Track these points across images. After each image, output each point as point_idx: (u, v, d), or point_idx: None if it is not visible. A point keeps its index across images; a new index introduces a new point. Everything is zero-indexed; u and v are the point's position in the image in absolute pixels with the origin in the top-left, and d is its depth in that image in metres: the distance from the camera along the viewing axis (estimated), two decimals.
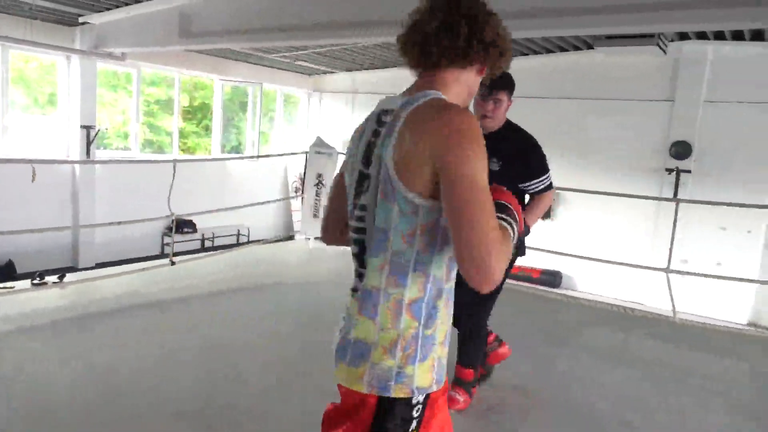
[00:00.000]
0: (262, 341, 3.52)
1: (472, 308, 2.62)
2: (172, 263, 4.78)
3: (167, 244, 9.20)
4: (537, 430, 2.72)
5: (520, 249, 2.58)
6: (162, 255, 9.04)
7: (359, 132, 1.32)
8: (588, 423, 2.79)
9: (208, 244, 10.08)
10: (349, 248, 1.34)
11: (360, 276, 1.28)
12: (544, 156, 2.57)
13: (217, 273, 5.06)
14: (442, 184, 1.11)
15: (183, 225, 9.48)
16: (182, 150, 10.93)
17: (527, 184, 2.59)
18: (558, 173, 9.79)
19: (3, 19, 7.25)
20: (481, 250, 1.05)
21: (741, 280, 5.65)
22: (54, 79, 8.34)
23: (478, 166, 1.10)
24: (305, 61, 10.56)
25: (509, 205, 1.26)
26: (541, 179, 2.62)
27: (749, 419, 2.92)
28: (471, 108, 2.45)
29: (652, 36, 6.93)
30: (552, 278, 9.09)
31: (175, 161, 4.94)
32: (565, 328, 4.28)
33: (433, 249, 1.16)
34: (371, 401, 1.20)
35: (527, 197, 2.76)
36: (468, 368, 2.84)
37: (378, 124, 1.25)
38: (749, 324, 7.71)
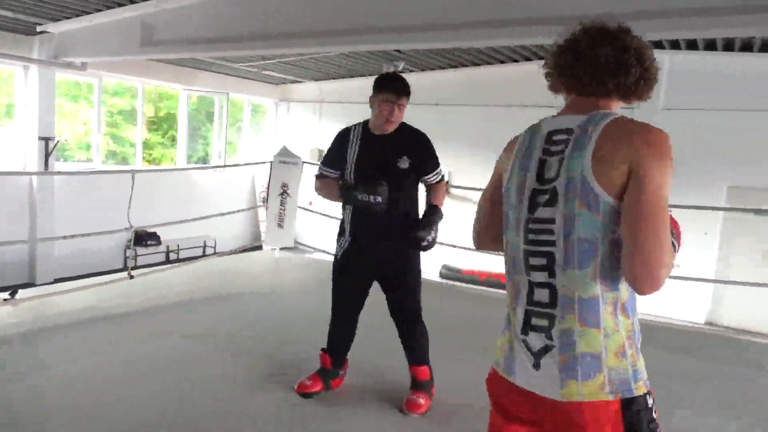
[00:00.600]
0: (226, 353, 3.46)
1: (407, 296, 2.81)
2: (131, 276, 4.67)
3: (131, 258, 9.01)
4: None
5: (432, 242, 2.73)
6: (125, 269, 8.85)
7: (519, 151, 1.36)
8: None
9: (173, 256, 9.92)
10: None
11: (548, 288, 1.26)
12: (434, 150, 2.84)
13: (179, 285, 4.97)
14: (632, 190, 1.16)
15: (147, 237, 9.31)
16: (147, 161, 10.76)
17: (428, 176, 2.83)
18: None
19: None
20: (657, 260, 1.13)
21: (698, 280, 5.81)
22: (11, 90, 8.13)
23: (668, 181, 1.17)
24: (272, 70, 10.53)
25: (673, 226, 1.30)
26: (437, 171, 2.86)
27: (716, 416, 2.98)
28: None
29: None
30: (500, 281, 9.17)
31: (133, 172, 4.85)
32: None
33: (621, 248, 1.20)
34: (613, 407, 1.20)
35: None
36: (423, 365, 2.86)
37: (550, 143, 1.29)
38: (707, 323, 7.94)
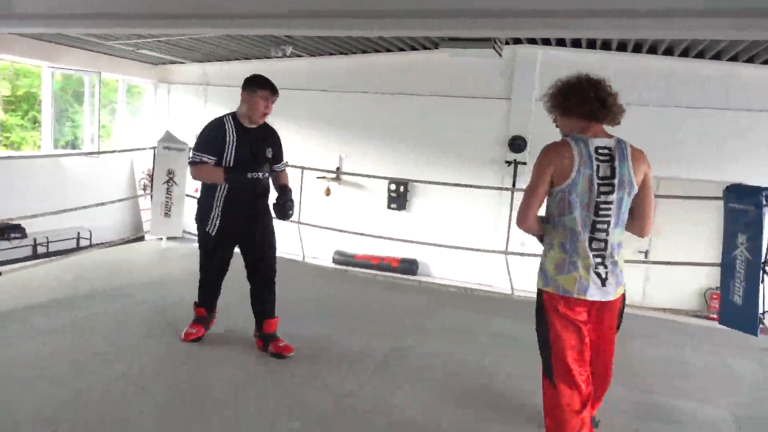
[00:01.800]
0: (112, 350, 3.29)
1: (270, 259, 3.38)
2: None
3: None
4: (401, 404, 2.88)
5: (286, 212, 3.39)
6: None
7: (580, 157, 2.18)
8: (447, 390, 3.03)
9: (41, 250, 9.06)
10: None
11: (604, 241, 2.23)
12: None
13: (54, 280, 4.58)
14: (647, 187, 2.29)
15: (9, 230, 8.40)
16: (4, 145, 9.70)
17: (280, 164, 3.44)
18: (410, 166, 10.30)
19: None
20: (652, 221, 2.35)
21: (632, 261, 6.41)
22: None
23: None
24: (149, 50, 9.88)
25: None
26: (285, 161, 3.53)
27: (657, 394, 3.30)
28: None
29: (488, 40, 7.55)
30: (410, 266, 9.54)
31: None
32: (419, 311, 4.55)
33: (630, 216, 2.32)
34: (620, 297, 2.35)
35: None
36: (276, 317, 3.41)
37: (598, 154, 2.20)
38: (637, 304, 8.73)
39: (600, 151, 2.19)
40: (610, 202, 2.19)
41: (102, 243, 7.51)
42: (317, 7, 4.79)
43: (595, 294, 2.21)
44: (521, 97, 9.01)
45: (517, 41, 8.73)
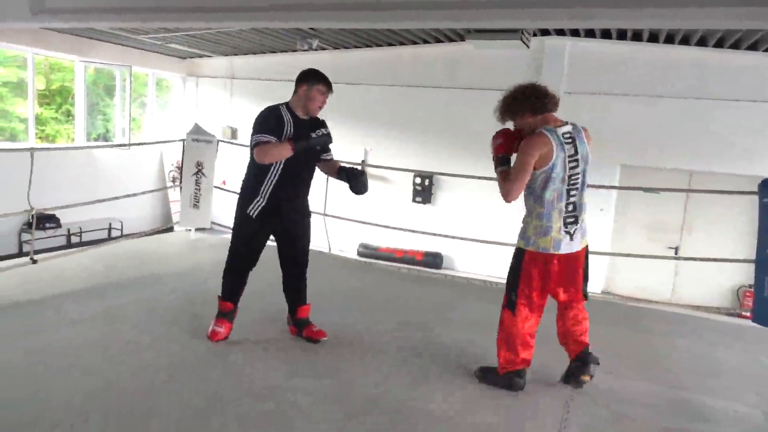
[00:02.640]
0: (142, 339, 3.37)
1: (305, 248, 3.46)
2: (34, 261, 4.37)
3: (26, 242, 8.36)
4: (425, 396, 2.89)
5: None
6: (20, 254, 8.19)
7: (554, 143, 2.79)
8: (472, 381, 3.06)
9: (75, 239, 9.31)
10: None
11: (573, 204, 2.87)
12: None
13: (87, 269, 4.71)
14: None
15: (45, 220, 8.65)
16: (40, 138, 9.95)
17: (329, 153, 3.54)
18: (435, 159, 10.28)
19: None
20: None
21: (594, 253, 6.31)
22: None
23: None
24: (178, 43, 10.02)
25: None
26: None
27: (628, 378, 3.29)
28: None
29: (516, 31, 7.45)
30: (434, 259, 9.53)
31: (32, 150, 4.50)
32: (444, 304, 4.54)
33: None
34: (585, 250, 2.98)
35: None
36: (308, 303, 3.51)
37: (565, 139, 2.81)
38: (603, 292, 8.67)
39: (565, 136, 2.81)
40: (578, 174, 2.84)
41: (132, 233, 7.67)
42: (342, 0, 4.82)
43: (564, 248, 2.86)
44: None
45: (545, 32, 8.59)
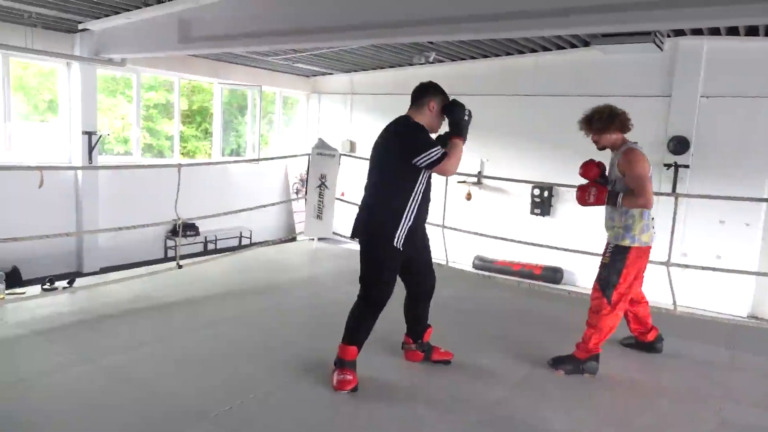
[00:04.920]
0: (269, 343, 3.58)
1: (431, 262, 3.21)
2: (179, 266, 4.83)
3: (171, 248, 9.25)
4: (546, 423, 2.77)
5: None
6: (166, 258, 9.09)
7: (647, 156, 3.36)
8: (591, 411, 2.86)
9: (210, 246, 10.14)
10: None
11: None
12: None
13: (222, 275, 5.12)
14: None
15: (186, 228, 9.53)
16: (182, 154, 10.98)
17: None
18: (555, 170, 9.90)
19: (3, 27, 7.28)
20: None
21: (740, 272, 5.72)
22: (53, 86, 8.39)
23: None
24: (304, 63, 10.61)
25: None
26: None
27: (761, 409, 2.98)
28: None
29: (648, 33, 7.00)
30: (553, 274, 9.15)
31: (179, 166, 4.99)
32: (566, 323, 4.34)
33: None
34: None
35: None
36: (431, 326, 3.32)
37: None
38: (749, 316, 7.79)
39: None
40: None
41: (260, 242, 8.19)
42: (462, 13, 4.83)
43: (653, 240, 3.32)
44: (683, 94, 8.22)
45: (679, 33, 7.98)
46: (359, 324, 2.97)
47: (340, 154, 6.21)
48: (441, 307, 3.80)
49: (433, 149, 2.87)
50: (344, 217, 10.08)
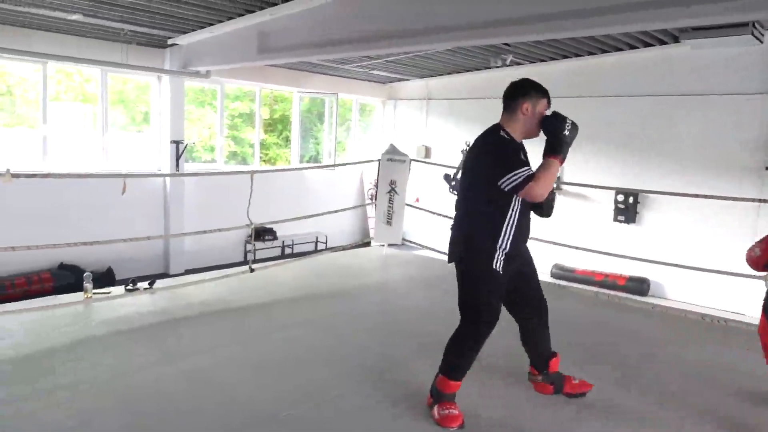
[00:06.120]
0: (342, 348, 3.59)
1: (540, 287, 2.88)
2: (252, 270, 4.98)
3: (250, 251, 9.62)
4: None
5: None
6: (245, 262, 9.45)
7: None
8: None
9: (287, 251, 10.43)
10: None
11: None
12: None
13: (294, 279, 5.22)
14: None
15: (264, 233, 9.88)
16: (264, 161, 11.40)
17: None
18: (640, 174, 9.40)
19: (101, 46, 7.90)
20: None
21: None
22: (148, 98, 8.99)
23: None
24: (379, 70, 10.70)
25: None
26: None
27: None
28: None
29: (745, 25, 6.43)
30: (639, 285, 8.61)
31: (252, 172, 5.16)
32: (651, 339, 4.04)
33: None
34: None
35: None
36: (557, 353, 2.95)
37: None
38: None
39: None
40: None
41: (334, 247, 8.31)
42: (540, 11, 4.64)
43: None
44: None
45: None
46: (458, 356, 2.69)
47: (411, 160, 6.17)
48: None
49: (517, 172, 2.50)
50: (417, 223, 10.10)
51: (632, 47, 8.60)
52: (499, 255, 2.61)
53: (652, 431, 2.71)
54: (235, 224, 5.59)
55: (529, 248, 2.84)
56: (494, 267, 2.61)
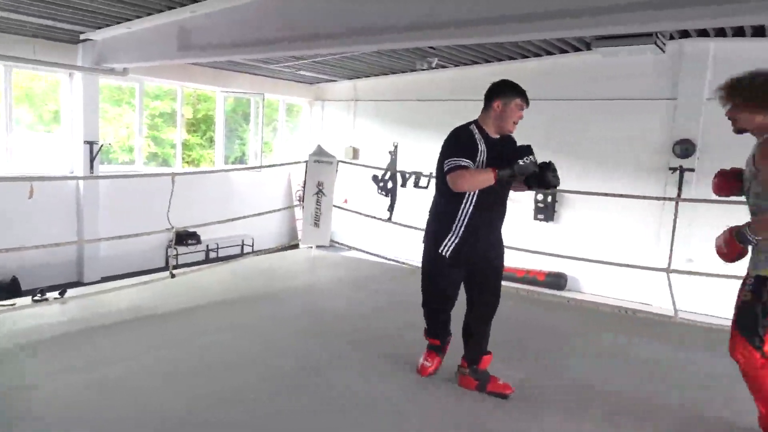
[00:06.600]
0: (264, 351, 3.52)
1: (495, 292, 3.01)
2: (173, 276, 4.79)
3: (171, 257, 9.25)
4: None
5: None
6: (166, 267, 9.09)
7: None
8: (587, 423, 2.77)
9: (212, 255, 10.13)
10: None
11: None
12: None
13: (217, 284, 5.07)
14: None
15: (187, 237, 9.54)
16: (187, 162, 11.02)
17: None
18: (560, 175, 9.70)
19: (5, 39, 7.35)
20: None
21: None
22: (59, 97, 8.45)
23: None
24: (306, 70, 10.61)
25: None
26: None
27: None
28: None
29: (649, 35, 6.90)
30: (557, 280, 9.04)
31: (173, 174, 4.97)
32: (567, 332, 4.25)
33: None
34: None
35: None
36: (489, 354, 3.12)
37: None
38: None
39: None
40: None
41: (261, 250, 8.16)
42: (464, 16, 4.77)
43: None
44: (689, 97, 8.10)
45: (684, 34, 7.87)
46: (424, 315, 3.17)
47: (338, 161, 6.16)
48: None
49: (457, 158, 2.74)
50: (345, 224, 10.10)
51: (549, 53, 9.03)
52: (448, 241, 2.85)
53: (575, 423, 2.85)
54: (154, 228, 5.36)
55: (498, 248, 3.00)
56: (440, 252, 2.86)
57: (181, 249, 9.25)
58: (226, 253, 10.17)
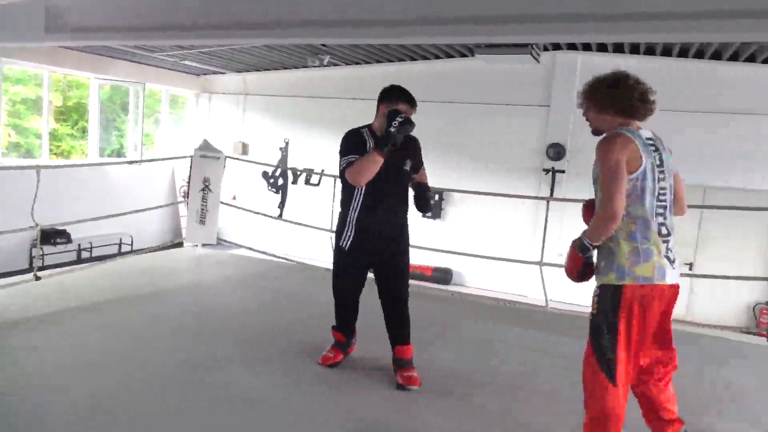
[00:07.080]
0: (139, 352, 3.34)
1: (403, 282, 3.19)
2: (37, 278, 4.38)
3: (38, 257, 8.42)
4: (413, 421, 2.80)
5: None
6: (31, 269, 8.26)
7: (639, 147, 2.18)
8: (463, 405, 2.93)
9: (85, 255, 9.36)
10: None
11: (664, 225, 2.23)
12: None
13: (90, 286, 4.70)
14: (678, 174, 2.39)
15: (55, 235, 8.71)
16: (56, 154, 10.10)
17: (420, 172, 3.30)
18: (443, 174, 10.21)
19: None
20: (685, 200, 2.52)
21: None
22: None
23: None
24: (192, 60, 10.15)
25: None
26: (424, 166, 3.36)
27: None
28: None
29: (525, 46, 7.42)
30: (444, 275, 9.43)
31: (38, 168, 4.54)
32: (445, 323, 4.45)
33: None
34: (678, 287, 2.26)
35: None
36: (410, 344, 3.21)
37: (650, 145, 2.23)
38: None
39: (648, 141, 2.24)
40: (665, 188, 2.24)
41: (142, 249, 7.69)
42: (355, 17, 4.82)
43: (670, 277, 2.20)
44: (560, 104, 8.82)
45: (557, 47, 8.56)
46: (334, 310, 3.29)
47: (226, 157, 5.97)
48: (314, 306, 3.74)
49: (344, 158, 2.97)
50: (233, 222, 9.81)
51: (438, 57, 9.40)
52: (345, 235, 3.06)
53: (457, 405, 3.00)
54: (15, 226, 4.86)
55: (401, 242, 3.16)
56: (340, 244, 3.08)
57: (48, 249, 8.46)
58: (102, 252, 9.42)
